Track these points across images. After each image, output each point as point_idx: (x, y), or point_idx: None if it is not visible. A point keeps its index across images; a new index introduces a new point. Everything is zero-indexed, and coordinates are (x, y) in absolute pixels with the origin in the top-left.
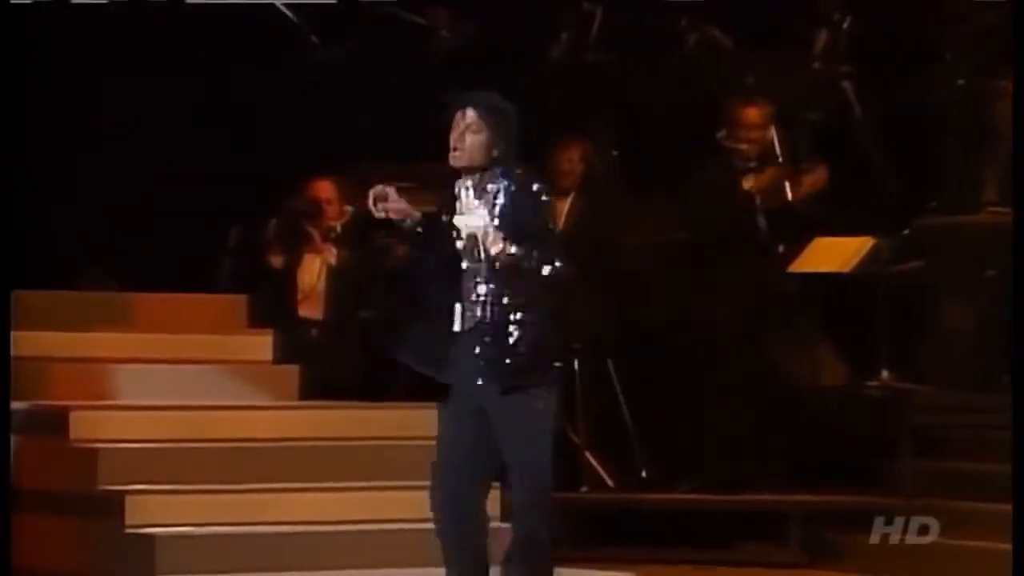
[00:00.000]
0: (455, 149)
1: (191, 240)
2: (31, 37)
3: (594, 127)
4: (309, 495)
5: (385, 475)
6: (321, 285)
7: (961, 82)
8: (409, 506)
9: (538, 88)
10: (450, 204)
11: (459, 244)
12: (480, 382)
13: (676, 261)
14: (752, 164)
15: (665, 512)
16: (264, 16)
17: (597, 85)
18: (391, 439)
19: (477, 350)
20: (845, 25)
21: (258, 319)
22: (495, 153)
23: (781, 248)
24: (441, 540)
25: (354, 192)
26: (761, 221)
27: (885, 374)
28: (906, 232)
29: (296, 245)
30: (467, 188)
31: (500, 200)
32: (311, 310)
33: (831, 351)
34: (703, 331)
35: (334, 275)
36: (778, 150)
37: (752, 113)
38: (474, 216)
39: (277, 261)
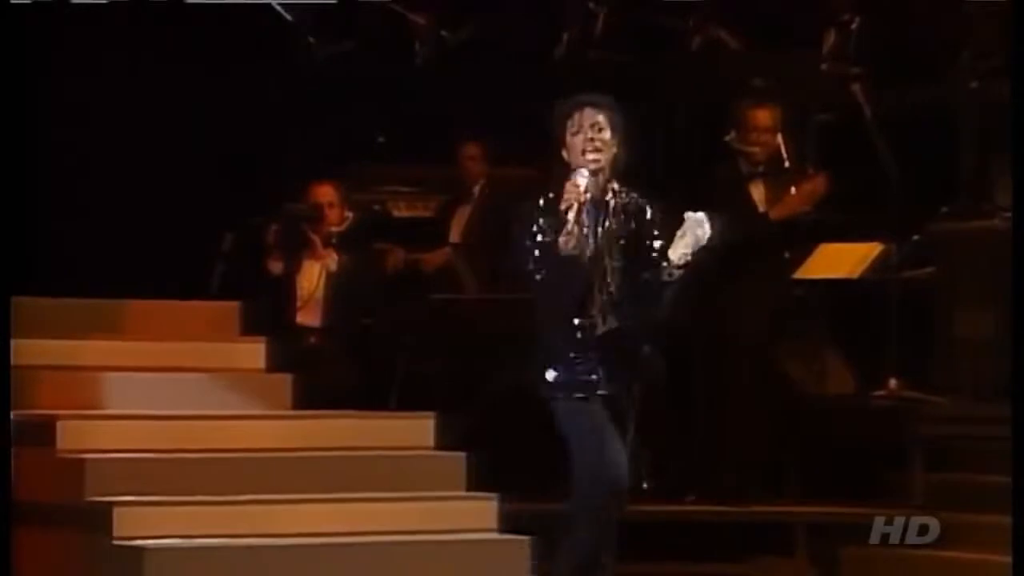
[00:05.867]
0: (592, 150)
1: (183, 246)
2: (31, 37)
3: None
4: (302, 507)
5: (380, 486)
6: (320, 292)
7: (974, 84)
8: (404, 518)
9: (541, 89)
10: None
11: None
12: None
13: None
14: (760, 168)
15: (667, 524)
16: (261, 16)
17: (601, 86)
18: (387, 450)
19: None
20: (854, 26)
21: (254, 326)
22: (614, 151)
23: (787, 254)
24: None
25: (355, 196)
26: (769, 226)
27: (893, 383)
28: (916, 238)
29: (296, 250)
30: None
31: (625, 220)
32: (310, 317)
33: (839, 360)
34: (707, 338)
35: (334, 281)
36: (785, 154)
37: (763, 116)
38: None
39: (276, 267)
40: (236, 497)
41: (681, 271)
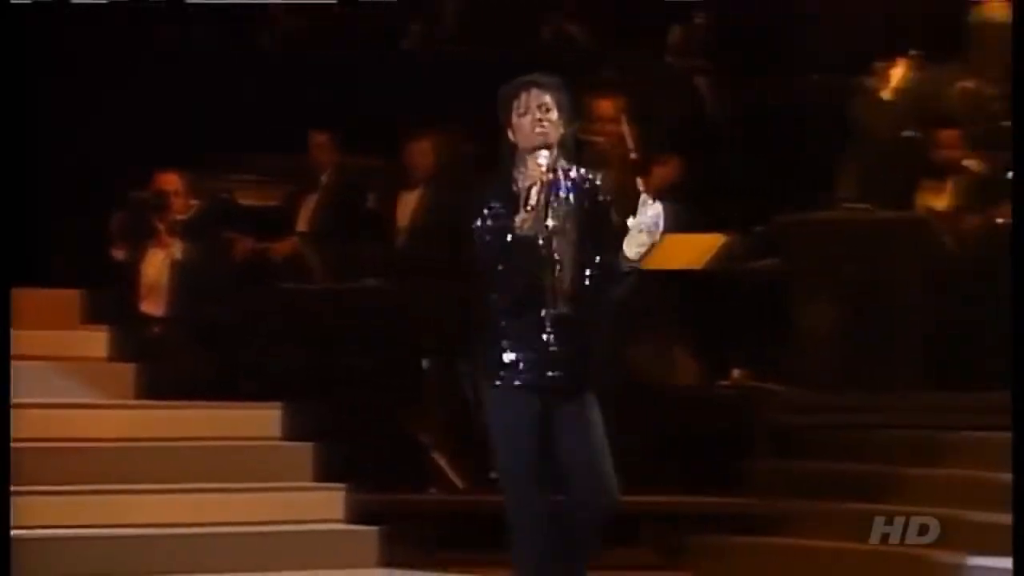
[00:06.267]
0: (539, 131)
1: (23, 232)
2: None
3: (446, 120)
4: (146, 497)
5: (227, 477)
6: (165, 280)
7: (816, 78)
8: (252, 508)
9: (389, 79)
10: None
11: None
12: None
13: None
14: (605, 158)
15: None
16: (111, 6)
17: (450, 77)
18: (234, 440)
19: (555, 347)
20: (699, 20)
21: (97, 315)
22: (561, 131)
23: None
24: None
25: (202, 184)
26: (612, 216)
27: (737, 373)
28: (759, 229)
29: (141, 239)
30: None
31: (572, 199)
32: (154, 306)
33: (684, 349)
34: None
35: (179, 270)
36: (630, 144)
37: (606, 106)
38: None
39: (120, 255)
40: (79, 487)
41: (637, 264)
